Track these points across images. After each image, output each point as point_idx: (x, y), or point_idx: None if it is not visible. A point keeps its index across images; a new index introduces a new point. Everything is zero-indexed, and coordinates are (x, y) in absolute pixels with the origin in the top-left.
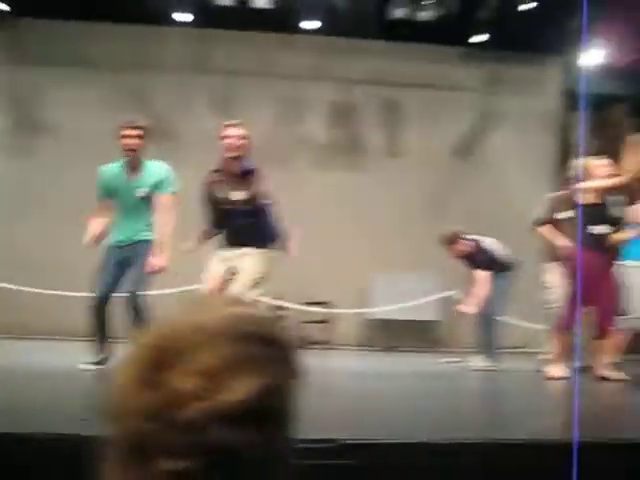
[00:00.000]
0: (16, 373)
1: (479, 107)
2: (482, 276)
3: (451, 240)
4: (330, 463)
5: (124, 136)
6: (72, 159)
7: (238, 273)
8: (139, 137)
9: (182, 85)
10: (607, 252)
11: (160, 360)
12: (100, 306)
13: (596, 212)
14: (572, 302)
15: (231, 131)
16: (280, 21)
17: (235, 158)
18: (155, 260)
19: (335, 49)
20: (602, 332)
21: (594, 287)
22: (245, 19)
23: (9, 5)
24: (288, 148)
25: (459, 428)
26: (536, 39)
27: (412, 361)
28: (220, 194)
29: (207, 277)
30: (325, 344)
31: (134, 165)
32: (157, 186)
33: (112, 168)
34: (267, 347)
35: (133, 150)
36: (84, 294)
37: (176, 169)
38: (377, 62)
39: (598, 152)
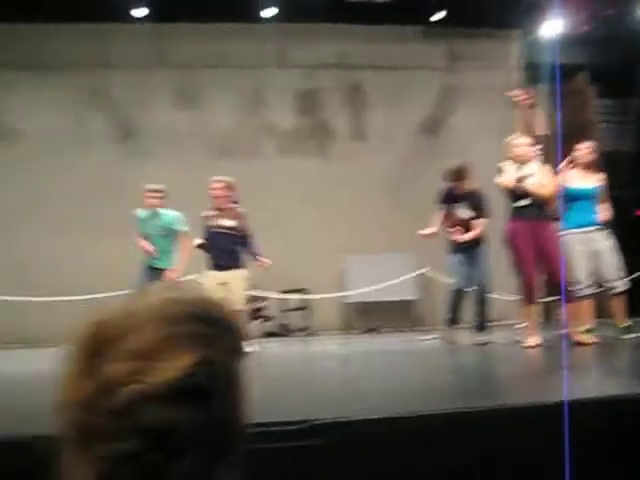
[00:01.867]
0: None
1: (441, 85)
2: (479, 222)
3: (461, 175)
4: (305, 444)
5: None
6: (29, 161)
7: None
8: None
9: (142, 81)
10: (534, 221)
11: (93, 349)
12: None
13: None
14: (522, 274)
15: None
16: (236, 10)
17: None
18: None
19: (294, 35)
20: (557, 293)
21: (526, 254)
22: (201, 11)
23: None
24: (254, 137)
25: (446, 399)
26: (494, 14)
27: (393, 341)
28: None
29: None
30: (305, 331)
31: None
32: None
33: None
34: (199, 326)
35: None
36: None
37: (139, 164)
38: (338, 46)
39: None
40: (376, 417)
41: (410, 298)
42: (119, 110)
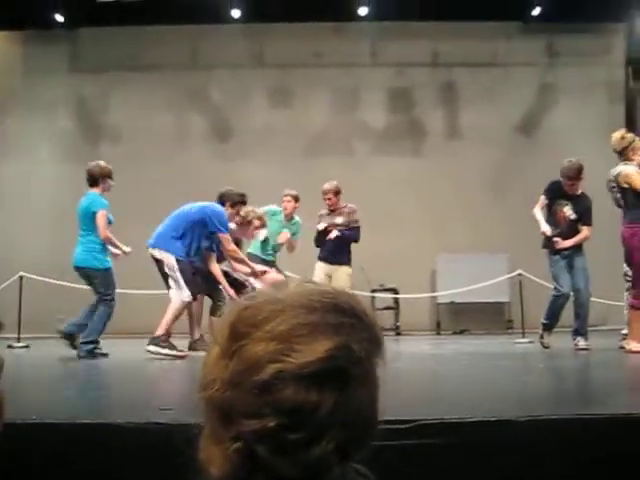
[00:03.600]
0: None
1: (539, 82)
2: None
3: (579, 173)
4: (409, 443)
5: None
6: (134, 160)
7: None
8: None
9: (239, 81)
10: None
11: (238, 332)
12: None
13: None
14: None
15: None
16: (330, 9)
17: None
18: None
19: (388, 33)
20: None
21: None
22: (295, 10)
23: (64, 17)
24: (348, 135)
25: (543, 405)
26: (597, 7)
27: (486, 343)
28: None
29: None
30: (395, 330)
31: None
32: None
33: None
34: (340, 316)
35: None
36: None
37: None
38: (431, 44)
39: None
40: (487, 419)
41: (503, 300)
42: (217, 110)
